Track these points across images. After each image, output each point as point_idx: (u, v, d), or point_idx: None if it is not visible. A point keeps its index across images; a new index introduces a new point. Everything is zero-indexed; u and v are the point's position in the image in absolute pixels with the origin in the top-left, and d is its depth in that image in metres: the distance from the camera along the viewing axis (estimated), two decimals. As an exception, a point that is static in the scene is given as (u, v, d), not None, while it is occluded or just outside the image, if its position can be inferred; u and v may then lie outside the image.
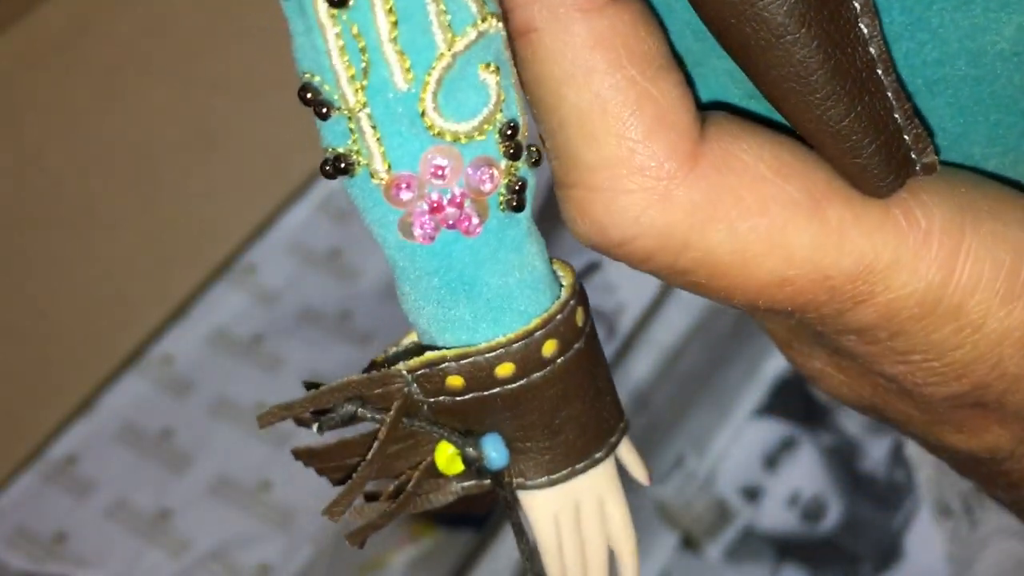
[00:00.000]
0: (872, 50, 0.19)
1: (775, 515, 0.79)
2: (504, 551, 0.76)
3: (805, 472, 0.80)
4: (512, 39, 0.20)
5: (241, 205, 0.92)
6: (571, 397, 0.22)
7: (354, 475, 0.22)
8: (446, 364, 0.22)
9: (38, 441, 0.84)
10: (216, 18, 0.96)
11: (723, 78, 0.21)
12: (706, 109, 0.22)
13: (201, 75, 0.94)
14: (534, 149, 0.21)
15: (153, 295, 0.90)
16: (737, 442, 0.81)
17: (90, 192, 0.90)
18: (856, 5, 0.19)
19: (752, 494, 0.80)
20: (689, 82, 0.21)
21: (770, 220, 0.20)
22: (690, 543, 0.79)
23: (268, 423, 0.23)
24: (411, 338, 0.24)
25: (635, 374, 0.82)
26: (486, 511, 0.78)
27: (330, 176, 0.21)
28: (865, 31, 0.19)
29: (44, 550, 0.80)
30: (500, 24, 0.20)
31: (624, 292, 0.87)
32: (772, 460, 0.80)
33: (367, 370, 0.23)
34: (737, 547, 0.78)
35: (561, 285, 0.22)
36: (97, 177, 0.91)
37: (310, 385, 0.23)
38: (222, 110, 0.92)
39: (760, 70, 0.19)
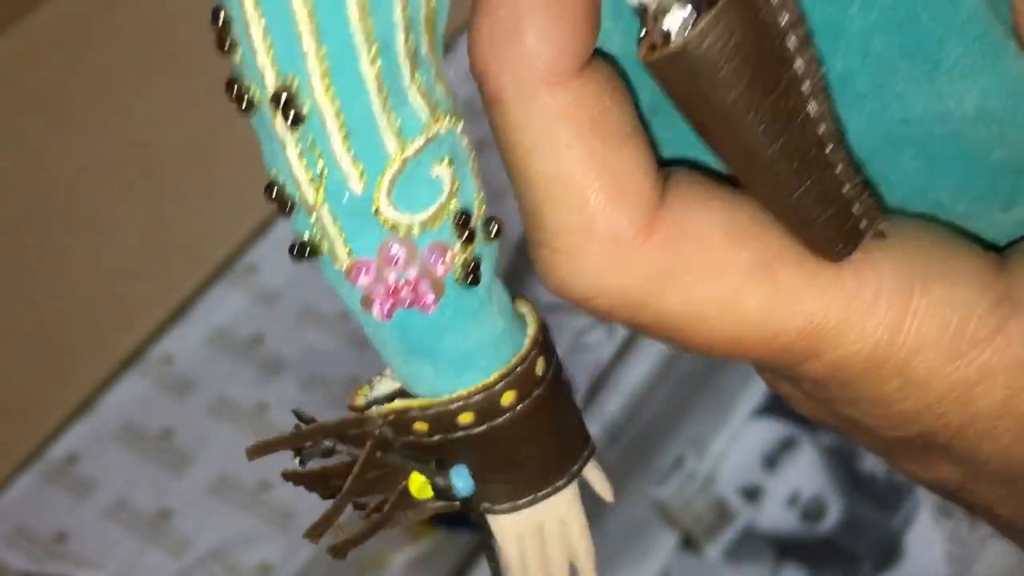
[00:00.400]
0: (822, 128, 0.20)
1: (775, 515, 0.79)
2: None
3: (805, 472, 0.80)
4: (485, 104, 0.22)
5: (241, 205, 0.92)
6: (531, 437, 0.24)
7: (332, 503, 0.25)
8: (412, 412, 0.24)
9: (38, 441, 0.84)
10: (216, 18, 0.96)
11: (690, 134, 0.21)
12: (675, 160, 0.23)
13: (201, 75, 0.94)
14: (493, 224, 0.23)
15: (153, 295, 0.90)
16: (737, 442, 0.81)
17: (90, 192, 0.90)
18: (805, 89, 0.20)
19: (752, 494, 0.80)
20: (664, 130, 0.23)
21: (723, 285, 0.21)
22: (690, 543, 0.79)
23: (255, 457, 0.26)
24: (386, 377, 0.26)
25: (634, 375, 0.82)
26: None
27: (298, 259, 0.23)
28: (813, 111, 0.20)
29: (44, 550, 0.80)
30: (453, 121, 0.22)
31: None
32: (772, 460, 0.80)
33: (350, 408, 0.26)
34: (737, 547, 0.78)
35: (525, 335, 0.24)
36: (97, 177, 0.91)
37: (299, 415, 0.26)
38: (222, 110, 0.92)
39: (713, 145, 0.21)
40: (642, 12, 0.20)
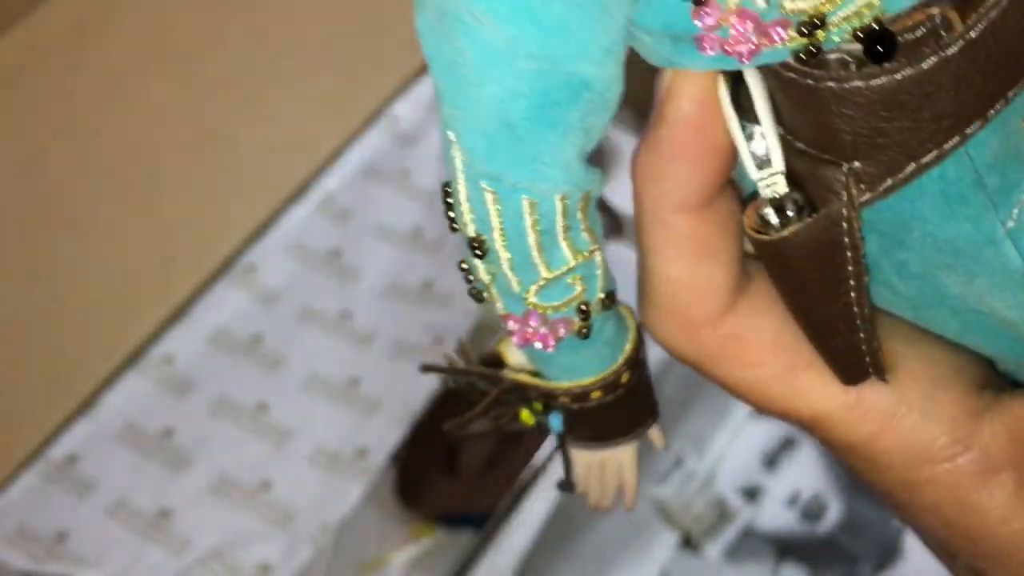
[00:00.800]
0: (855, 308, 0.28)
1: (775, 515, 0.79)
2: (504, 550, 0.76)
3: (805, 472, 0.80)
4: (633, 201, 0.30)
5: (241, 205, 0.92)
6: (609, 416, 0.33)
7: (468, 413, 0.35)
8: (530, 389, 0.34)
9: (39, 441, 0.84)
10: (218, 18, 0.96)
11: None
12: None
13: (202, 75, 0.94)
14: (608, 301, 0.31)
15: (154, 295, 0.90)
16: (737, 442, 0.81)
17: (91, 192, 0.90)
18: (852, 282, 0.27)
19: (752, 494, 0.80)
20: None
21: (756, 375, 0.30)
22: (690, 543, 0.79)
23: (429, 372, 0.37)
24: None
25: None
26: (486, 511, 0.79)
27: (476, 300, 0.31)
28: (852, 298, 0.27)
29: (45, 550, 0.80)
30: (591, 254, 0.30)
31: (624, 291, 0.87)
32: (772, 460, 0.81)
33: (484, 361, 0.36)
34: (737, 547, 0.78)
35: (622, 351, 0.32)
36: (98, 177, 0.91)
37: (462, 349, 0.36)
38: (223, 110, 0.92)
39: (778, 290, 0.29)
40: (760, 167, 0.27)
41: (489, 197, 0.28)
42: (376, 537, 0.81)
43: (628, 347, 0.32)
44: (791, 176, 0.27)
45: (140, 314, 0.89)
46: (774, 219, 0.27)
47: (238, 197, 0.91)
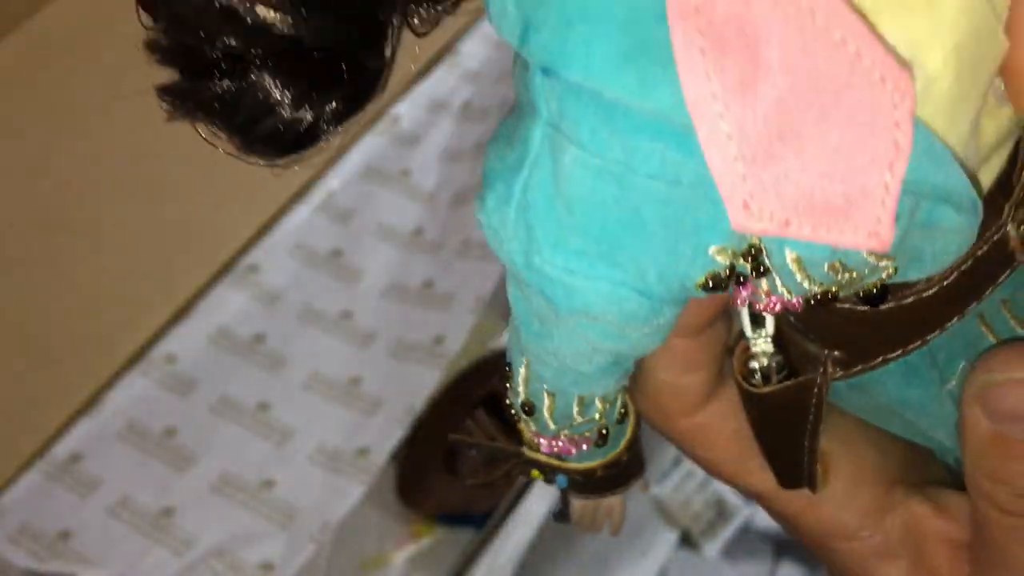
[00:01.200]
0: (806, 443, 0.33)
1: (773, 513, 0.79)
2: (503, 550, 0.76)
3: (803, 471, 0.80)
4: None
5: (243, 206, 0.92)
6: (606, 480, 0.37)
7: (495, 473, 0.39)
8: (544, 464, 0.37)
9: (42, 440, 0.85)
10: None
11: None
12: None
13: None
14: (623, 418, 0.35)
15: (156, 295, 0.90)
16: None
17: (94, 193, 0.91)
18: (810, 427, 0.32)
19: (750, 493, 0.80)
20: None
21: (715, 457, 0.36)
22: (689, 541, 0.79)
23: (456, 442, 0.39)
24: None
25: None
26: (486, 511, 0.79)
27: (525, 414, 0.35)
28: (807, 439, 0.32)
29: (48, 548, 0.80)
30: (613, 403, 0.34)
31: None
32: (770, 459, 0.81)
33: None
34: (735, 544, 0.79)
35: (624, 438, 0.36)
36: (101, 178, 0.91)
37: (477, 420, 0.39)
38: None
39: (748, 419, 0.34)
40: (754, 326, 0.31)
41: (547, 395, 0.33)
42: (377, 536, 0.81)
43: (629, 433, 0.37)
44: (778, 338, 0.32)
45: (143, 314, 0.90)
46: (758, 376, 0.32)
47: (240, 198, 0.92)
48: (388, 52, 0.25)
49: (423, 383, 0.84)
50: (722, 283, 0.27)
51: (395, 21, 0.25)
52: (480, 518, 0.79)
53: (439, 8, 0.25)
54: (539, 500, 0.76)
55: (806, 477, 0.34)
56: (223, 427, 0.85)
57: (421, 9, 0.25)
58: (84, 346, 0.87)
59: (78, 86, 0.93)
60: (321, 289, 0.92)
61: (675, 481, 0.80)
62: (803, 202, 0.24)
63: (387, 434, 0.83)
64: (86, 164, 0.91)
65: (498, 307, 0.86)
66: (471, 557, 0.77)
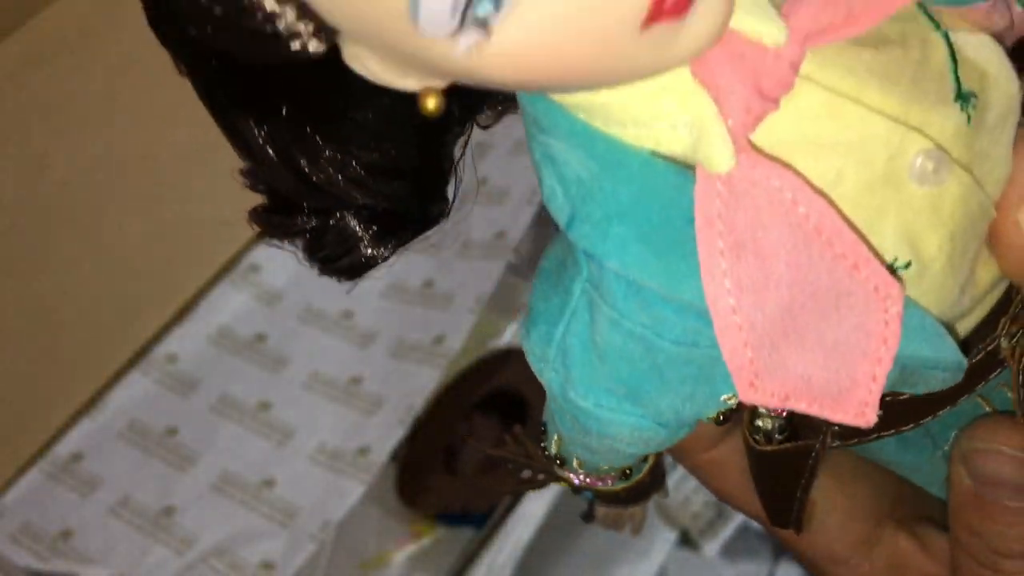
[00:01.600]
0: (799, 491, 0.36)
1: (772, 513, 0.79)
2: (503, 549, 0.77)
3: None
4: None
5: (245, 206, 0.92)
6: (629, 497, 0.40)
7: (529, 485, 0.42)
8: (573, 478, 0.40)
9: (43, 439, 0.85)
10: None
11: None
12: None
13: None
14: (648, 461, 0.39)
15: (157, 295, 0.90)
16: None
17: (95, 192, 0.91)
18: (805, 475, 0.35)
19: (749, 492, 0.80)
20: None
21: (725, 487, 0.40)
22: (688, 540, 0.79)
23: (495, 456, 0.41)
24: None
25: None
26: (486, 510, 0.79)
27: (556, 464, 0.38)
28: (803, 482, 0.35)
29: (49, 547, 0.80)
30: (638, 466, 0.38)
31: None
32: (769, 459, 0.81)
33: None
34: (734, 544, 0.79)
35: (646, 464, 0.39)
36: (102, 177, 0.91)
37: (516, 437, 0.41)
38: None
39: (747, 457, 0.37)
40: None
41: (577, 460, 0.37)
42: (377, 535, 0.81)
43: (652, 461, 0.40)
44: None
45: (144, 313, 0.90)
46: (761, 435, 0.35)
47: (242, 198, 0.92)
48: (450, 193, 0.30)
49: (423, 383, 0.84)
50: (732, 416, 0.31)
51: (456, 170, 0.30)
52: (480, 518, 0.79)
53: (499, 108, 0.30)
54: (539, 500, 0.77)
55: (794, 521, 0.38)
56: (224, 426, 0.85)
57: (485, 112, 0.30)
58: (85, 346, 0.87)
59: (78, 86, 0.93)
60: (321, 289, 0.91)
61: (674, 480, 0.80)
62: (801, 386, 0.28)
63: (387, 434, 0.83)
64: (86, 164, 0.91)
65: (498, 307, 0.86)
66: (471, 557, 0.77)
